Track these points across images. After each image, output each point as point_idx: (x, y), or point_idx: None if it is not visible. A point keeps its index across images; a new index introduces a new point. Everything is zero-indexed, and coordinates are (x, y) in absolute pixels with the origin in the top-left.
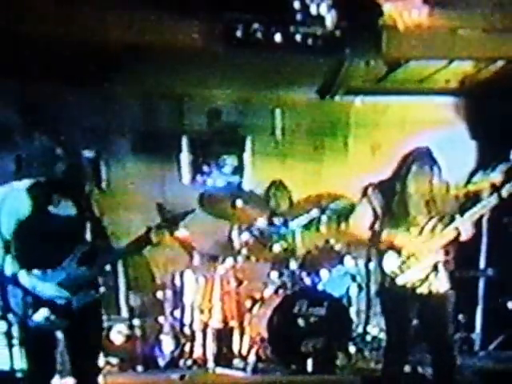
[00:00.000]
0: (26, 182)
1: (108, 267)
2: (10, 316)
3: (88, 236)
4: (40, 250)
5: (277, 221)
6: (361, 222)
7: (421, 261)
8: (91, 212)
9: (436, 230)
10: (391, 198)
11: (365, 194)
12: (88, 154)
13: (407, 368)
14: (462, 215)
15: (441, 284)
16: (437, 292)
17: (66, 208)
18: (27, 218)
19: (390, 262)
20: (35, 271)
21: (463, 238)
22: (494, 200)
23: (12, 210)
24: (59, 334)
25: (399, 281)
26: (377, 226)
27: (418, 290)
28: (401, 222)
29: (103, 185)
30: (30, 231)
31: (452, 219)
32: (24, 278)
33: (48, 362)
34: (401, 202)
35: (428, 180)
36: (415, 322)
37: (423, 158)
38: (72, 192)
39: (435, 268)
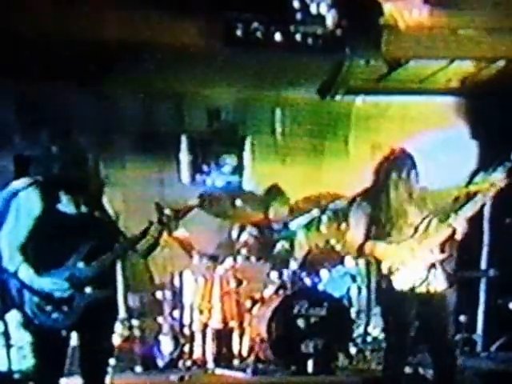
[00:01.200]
0: (32, 182)
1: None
2: (8, 316)
3: (93, 234)
4: (48, 248)
5: (276, 225)
6: (355, 231)
7: (416, 260)
8: (99, 210)
9: (430, 229)
10: (375, 207)
11: (353, 200)
12: (89, 153)
13: (408, 369)
14: (456, 213)
15: (438, 283)
16: (434, 291)
17: (73, 206)
18: (37, 217)
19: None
20: (40, 268)
21: (459, 235)
22: (485, 196)
23: (22, 208)
24: (70, 334)
25: (396, 280)
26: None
27: (416, 290)
28: (388, 230)
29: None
30: (39, 229)
31: (446, 217)
32: (24, 272)
33: (55, 361)
34: (384, 210)
35: (407, 186)
36: (415, 322)
37: (401, 165)
38: (77, 190)
39: (432, 267)
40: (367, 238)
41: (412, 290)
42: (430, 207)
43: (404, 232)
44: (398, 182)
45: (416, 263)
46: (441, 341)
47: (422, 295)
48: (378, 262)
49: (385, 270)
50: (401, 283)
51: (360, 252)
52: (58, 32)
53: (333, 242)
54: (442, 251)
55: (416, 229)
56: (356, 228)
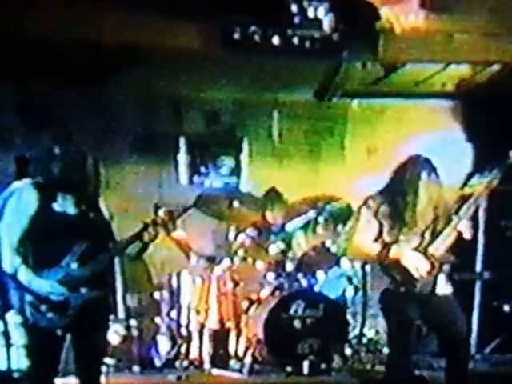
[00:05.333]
0: (30, 181)
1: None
2: (8, 315)
3: (88, 234)
4: (43, 248)
5: (273, 227)
6: (365, 236)
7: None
8: (95, 211)
9: (438, 234)
10: (399, 208)
11: (365, 203)
12: (88, 153)
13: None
14: (458, 216)
15: (445, 287)
16: (441, 294)
17: (69, 206)
18: (32, 216)
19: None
20: (35, 268)
21: (467, 236)
22: (478, 201)
23: (18, 207)
24: (65, 334)
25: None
26: (384, 239)
27: (423, 292)
28: (408, 232)
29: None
30: (35, 229)
31: (448, 220)
32: (22, 273)
33: (50, 361)
34: (411, 211)
35: (436, 187)
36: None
37: (427, 165)
38: (75, 191)
39: (439, 272)
40: (378, 240)
41: (417, 291)
42: (442, 211)
43: (413, 236)
44: (421, 184)
45: (425, 266)
46: (454, 342)
47: (427, 297)
48: (398, 267)
49: (399, 275)
50: (411, 285)
51: (382, 257)
52: (58, 34)
53: (328, 243)
54: (451, 255)
55: (423, 234)
56: (366, 230)
